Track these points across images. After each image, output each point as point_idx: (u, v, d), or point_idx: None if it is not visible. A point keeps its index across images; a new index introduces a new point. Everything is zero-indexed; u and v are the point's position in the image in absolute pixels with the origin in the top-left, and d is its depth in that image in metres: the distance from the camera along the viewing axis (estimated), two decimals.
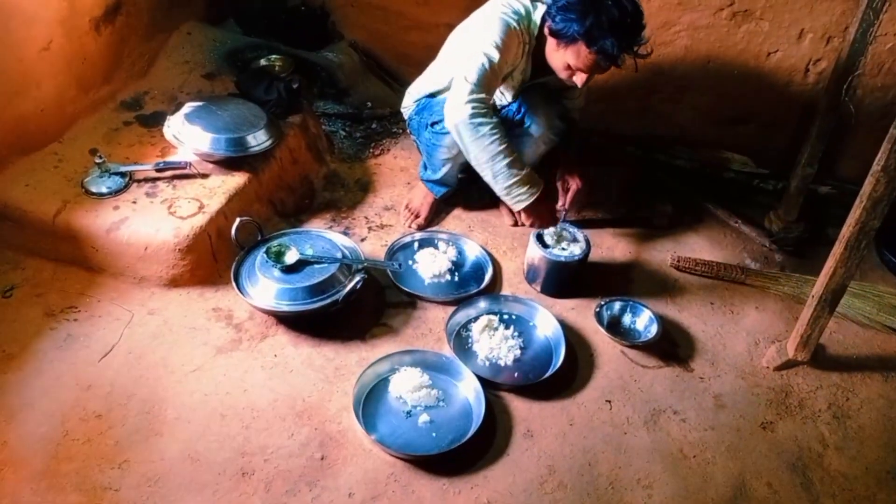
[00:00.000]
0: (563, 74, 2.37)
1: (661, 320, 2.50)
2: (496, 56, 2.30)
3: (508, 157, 2.35)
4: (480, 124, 2.30)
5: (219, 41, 3.30)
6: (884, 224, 2.03)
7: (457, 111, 2.31)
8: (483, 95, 2.31)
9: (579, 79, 2.32)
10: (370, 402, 2.16)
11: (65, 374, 2.11)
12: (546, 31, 2.32)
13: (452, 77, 2.42)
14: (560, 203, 2.72)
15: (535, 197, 2.43)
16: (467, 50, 2.37)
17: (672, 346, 2.49)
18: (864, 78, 2.86)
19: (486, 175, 2.42)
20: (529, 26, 2.39)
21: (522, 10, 2.37)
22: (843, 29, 2.82)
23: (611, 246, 2.88)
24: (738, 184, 3.18)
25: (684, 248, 2.92)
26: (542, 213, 2.50)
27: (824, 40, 2.90)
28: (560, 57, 2.31)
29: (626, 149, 3.24)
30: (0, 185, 2.41)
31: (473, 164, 2.43)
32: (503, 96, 2.62)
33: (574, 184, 2.70)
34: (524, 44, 2.41)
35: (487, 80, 2.31)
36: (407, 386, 2.17)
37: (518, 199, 2.44)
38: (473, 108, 2.29)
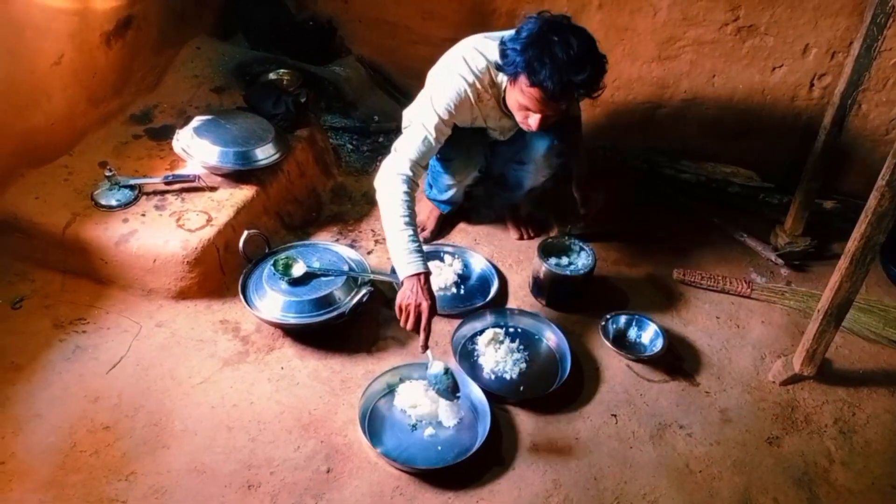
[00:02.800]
0: (518, 116, 2.29)
1: (667, 334, 2.50)
2: (433, 127, 2.29)
3: (400, 230, 2.21)
4: (389, 191, 2.25)
5: (227, 55, 3.33)
6: (889, 238, 2.04)
7: (379, 175, 2.31)
8: (402, 169, 2.26)
9: (533, 121, 2.23)
10: (376, 414, 2.16)
11: (73, 386, 2.12)
12: (499, 71, 2.27)
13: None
14: (582, 212, 2.75)
15: (406, 276, 2.19)
16: (416, 116, 2.38)
17: (678, 361, 2.49)
18: (869, 93, 2.87)
19: (386, 235, 2.31)
20: (496, 79, 2.33)
21: (484, 65, 2.30)
22: (847, 44, 2.83)
23: (616, 260, 2.89)
24: (744, 198, 3.18)
25: (690, 262, 2.92)
26: (413, 292, 2.18)
27: (829, 55, 2.91)
28: (511, 96, 2.25)
29: (630, 163, 3.25)
30: (11, 198, 2.44)
31: None
32: (502, 136, 2.60)
33: (591, 191, 2.72)
34: (489, 99, 2.37)
35: (418, 154, 2.29)
36: (412, 399, 2.17)
37: (399, 269, 2.23)
38: (386, 175, 2.28)
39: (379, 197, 2.30)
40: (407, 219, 2.21)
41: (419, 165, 2.32)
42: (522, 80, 2.13)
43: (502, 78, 2.30)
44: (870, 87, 2.83)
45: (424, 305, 2.13)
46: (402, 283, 2.18)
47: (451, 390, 2.11)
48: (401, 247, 2.19)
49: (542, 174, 2.69)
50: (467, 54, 2.33)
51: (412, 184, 2.29)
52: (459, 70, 2.31)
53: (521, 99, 2.20)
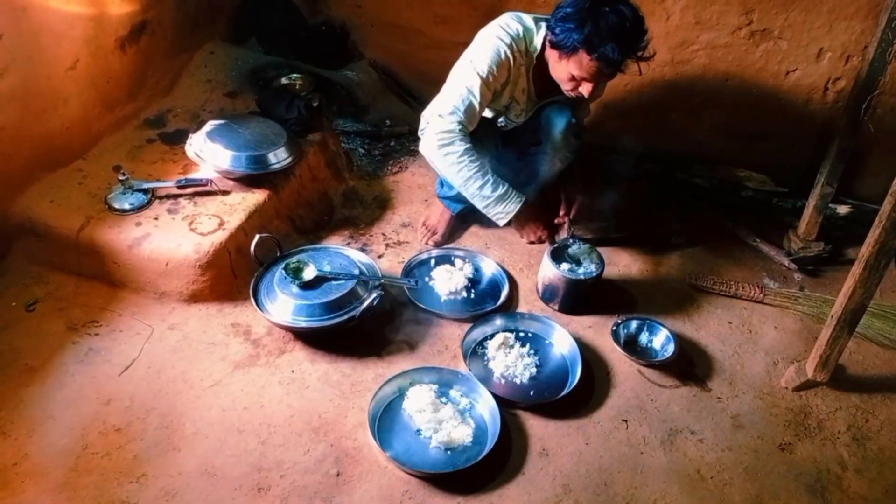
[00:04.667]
0: (566, 86, 2.38)
1: (679, 339, 2.49)
2: (477, 87, 2.37)
3: (479, 180, 2.44)
4: (448, 153, 2.40)
5: (240, 60, 3.35)
6: None
7: (426, 141, 2.46)
8: (453, 126, 2.39)
9: (585, 88, 2.33)
10: (386, 418, 2.17)
11: (86, 388, 2.14)
12: (548, 44, 2.35)
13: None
14: (563, 213, 2.75)
15: (510, 215, 2.51)
16: (454, 77, 2.45)
17: (689, 366, 2.48)
18: (884, 97, 2.85)
19: (466, 196, 2.52)
20: (529, 47, 2.43)
21: (521, 32, 2.40)
22: (862, 48, 2.82)
23: (628, 264, 2.88)
24: (757, 202, 3.17)
25: (702, 267, 2.91)
26: (527, 227, 2.55)
27: (843, 59, 2.89)
28: (563, 69, 2.32)
29: (642, 167, 3.24)
30: (26, 201, 2.46)
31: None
32: (515, 119, 2.65)
33: (577, 196, 2.75)
34: (521, 66, 2.45)
35: (464, 111, 2.39)
36: (421, 404, 2.17)
37: (497, 217, 2.54)
38: (440, 138, 2.40)
39: (439, 161, 2.45)
40: (482, 168, 2.47)
41: (467, 124, 2.42)
42: (583, 54, 2.22)
43: (536, 46, 2.41)
44: (885, 91, 2.80)
45: (544, 236, 2.80)
46: (516, 215, 2.58)
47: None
48: (494, 193, 2.51)
49: (559, 157, 2.70)
50: (503, 22, 2.43)
51: (467, 139, 2.42)
52: (498, 33, 2.40)
53: (577, 71, 2.28)
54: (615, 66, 2.24)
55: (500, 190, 2.50)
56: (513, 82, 2.49)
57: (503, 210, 2.54)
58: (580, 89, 2.34)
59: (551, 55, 2.36)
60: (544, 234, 2.90)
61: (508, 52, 2.38)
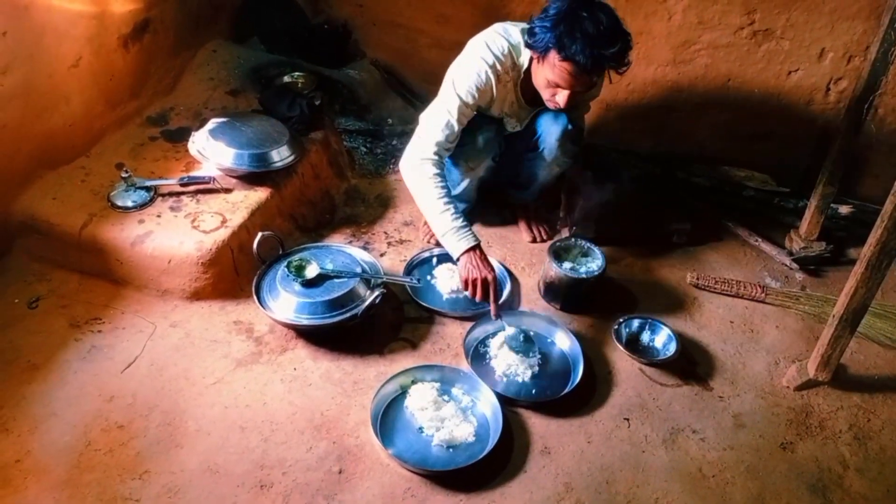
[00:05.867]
0: (546, 94, 2.35)
1: (680, 338, 2.49)
2: (456, 110, 2.38)
3: (442, 207, 2.37)
4: (420, 175, 2.40)
5: (243, 59, 3.35)
6: None
7: (402, 160, 2.47)
8: (427, 152, 2.39)
9: (561, 97, 2.30)
10: (388, 416, 2.17)
11: (88, 385, 2.14)
12: (527, 48, 2.34)
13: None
14: (563, 214, 2.74)
15: (460, 252, 2.36)
16: (437, 100, 2.45)
17: (691, 365, 2.48)
18: (886, 97, 2.85)
19: (428, 220, 2.47)
20: (516, 62, 2.42)
21: (506, 48, 2.39)
22: (864, 48, 2.82)
23: (629, 263, 2.88)
24: (759, 202, 3.17)
25: (704, 266, 2.91)
26: (474, 266, 2.35)
27: (845, 60, 2.90)
28: (540, 74, 2.31)
29: (644, 167, 3.24)
30: (28, 199, 2.46)
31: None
32: (513, 128, 2.64)
33: (579, 196, 2.73)
34: (507, 83, 2.45)
35: (442, 136, 2.39)
36: (423, 402, 2.17)
37: (450, 248, 2.40)
38: (413, 160, 2.41)
39: (410, 184, 2.43)
40: (445, 198, 2.37)
41: (443, 149, 2.41)
42: (553, 55, 2.21)
43: (524, 60, 2.40)
44: (886, 92, 2.81)
45: (489, 277, 2.35)
46: (459, 259, 2.37)
47: (526, 348, 2.36)
48: (446, 227, 2.37)
49: (556, 163, 2.70)
50: (489, 38, 2.42)
51: (440, 164, 2.40)
52: (481, 53, 2.39)
53: (550, 75, 2.26)
54: (583, 70, 2.19)
55: (458, 223, 2.37)
56: (499, 100, 2.50)
57: (455, 245, 2.37)
58: (557, 98, 2.31)
59: (533, 61, 2.35)
60: (546, 233, 2.90)
61: (490, 73, 2.38)
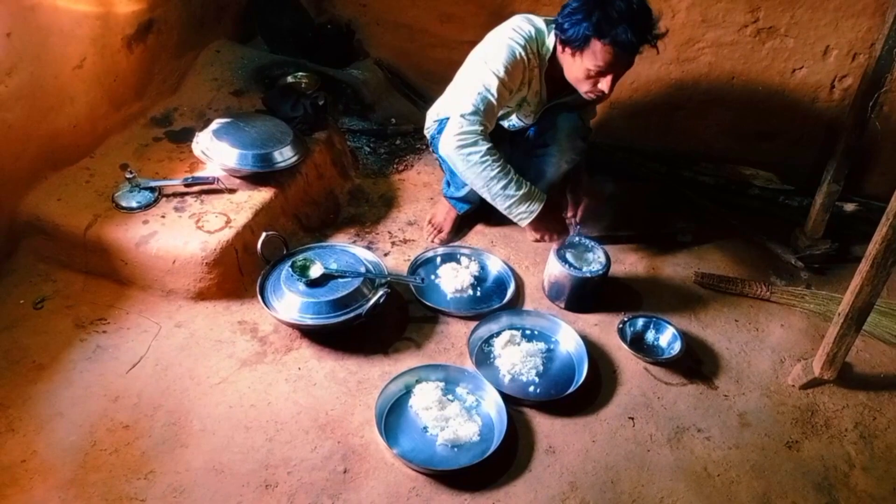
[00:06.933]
0: (584, 87, 2.35)
1: (685, 337, 2.48)
2: (494, 86, 2.34)
3: (502, 179, 2.39)
4: (470, 154, 2.35)
5: (247, 59, 3.35)
6: None
7: (446, 143, 2.39)
8: (474, 127, 2.34)
9: (604, 83, 2.29)
10: (392, 415, 2.17)
11: (93, 385, 2.15)
12: (559, 46, 2.34)
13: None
14: (570, 214, 2.74)
15: (534, 214, 2.46)
16: (469, 78, 2.42)
17: (696, 364, 2.47)
18: (891, 94, 2.84)
19: (486, 197, 2.48)
20: (541, 49, 2.41)
21: (533, 33, 2.39)
22: (868, 46, 2.81)
23: (634, 262, 2.88)
24: (764, 200, 3.16)
25: (708, 265, 2.90)
26: (548, 227, 2.50)
27: (850, 57, 2.89)
28: (578, 66, 2.30)
29: (649, 165, 3.24)
30: (33, 199, 2.47)
31: (473, 188, 2.48)
32: (524, 119, 2.64)
33: (584, 196, 2.73)
34: (534, 68, 2.44)
35: (483, 110, 2.35)
36: (428, 401, 2.18)
37: (519, 217, 2.48)
38: (460, 139, 2.35)
39: (460, 162, 2.39)
40: (505, 167, 2.40)
41: (487, 126, 2.38)
42: (595, 43, 2.20)
43: (548, 46, 2.39)
44: (892, 89, 2.79)
45: (558, 228, 2.66)
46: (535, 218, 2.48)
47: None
48: (518, 192, 2.42)
49: (565, 159, 2.68)
50: (514, 24, 2.41)
51: (489, 139, 2.37)
52: (510, 35, 2.38)
53: (591, 65, 2.25)
54: (630, 49, 2.20)
55: (525, 189, 2.43)
56: (527, 83, 2.48)
57: (527, 210, 2.46)
58: (600, 85, 2.30)
59: (565, 57, 2.34)
60: (557, 235, 2.75)
61: (523, 52, 2.37)
